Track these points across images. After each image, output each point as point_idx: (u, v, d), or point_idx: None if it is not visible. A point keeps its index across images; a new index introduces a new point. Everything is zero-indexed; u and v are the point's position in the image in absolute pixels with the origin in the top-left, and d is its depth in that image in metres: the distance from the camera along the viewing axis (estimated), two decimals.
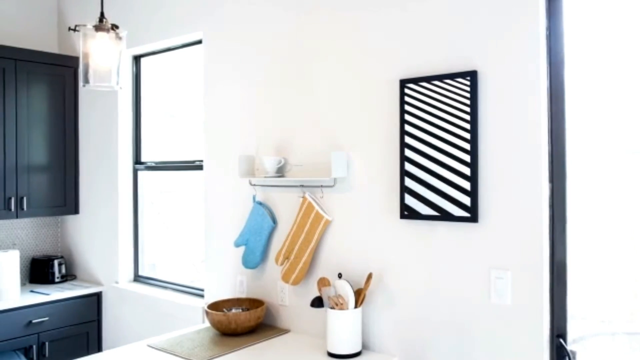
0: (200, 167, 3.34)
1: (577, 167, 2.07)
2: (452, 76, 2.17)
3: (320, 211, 2.60)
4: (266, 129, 2.88)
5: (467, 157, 2.14)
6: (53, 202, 3.92)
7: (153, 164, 3.76)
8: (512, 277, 2.07)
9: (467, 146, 2.13)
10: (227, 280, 3.09)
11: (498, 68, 2.10)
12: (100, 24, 2.37)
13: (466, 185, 2.14)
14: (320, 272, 2.66)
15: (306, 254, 2.65)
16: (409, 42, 2.34)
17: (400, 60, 2.37)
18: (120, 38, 2.41)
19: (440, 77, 2.20)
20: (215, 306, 2.85)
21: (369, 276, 2.41)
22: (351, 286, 2.42)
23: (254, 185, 2.93)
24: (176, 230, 3.75)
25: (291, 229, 2.70)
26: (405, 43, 2.35)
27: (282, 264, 2.72)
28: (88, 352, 3.82)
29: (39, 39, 4.16)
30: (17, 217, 3.71)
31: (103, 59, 2.37)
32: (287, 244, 2.71)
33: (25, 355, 3.49)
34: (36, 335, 3.54)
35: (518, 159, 2.06)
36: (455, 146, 2.16)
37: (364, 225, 2.50)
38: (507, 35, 2.08)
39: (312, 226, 2.63)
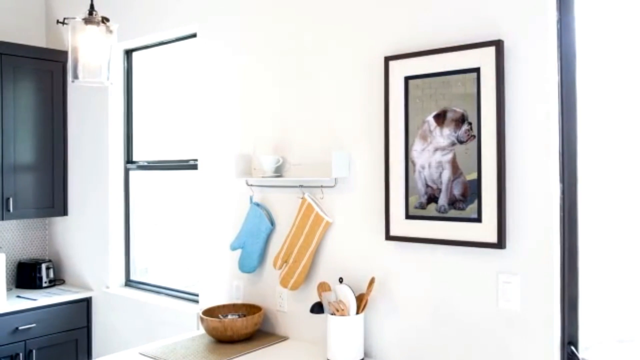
0: (194, 167, 3.34)
1: (589, 168, 2.07)
2: (459, 72, 2.17)
3: (320, 212, 2.61)
4: (264, 126, 2.89)
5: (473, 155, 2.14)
6: (41, 203, 3.92)
7: (145, 164, 3.76)
8: (520, 281, 2.08)
9: (474, 143, 2.14)
10: (222, 285, 3.09)
11: (506, 64, 2.10)
12: (90, 17, 2.38)
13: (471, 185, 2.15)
14: (320, 276, 2.67)
15: (305, 258, 2.65)
16: (414, 38, 2.35)
17: (402, 51, 2.37)
18: (110, 31, 2.42)
19: (446, 73, 2.20)
20: (210, 312, 2.85)
21: (371, 281, 2.41)
22: (352, 291, 2.42)
23: (251, 185, 2.93)
24: (169, 232, 3.75)
25: (290, 231, 2.71)
26: (411, 37, 2.36)
27: (280, 268, 2.73)
28: None
29: (25, 32, 4.17)
30: (2, 219, 3.72)
31: (93, 54, 2.38)
32: (285, 247, 2.71)
33: None
34: (23, 342, 3.54)
35: (526, 158, 2.06)
36: (461, 143, 2.17)
37: (366, 228, 2.50)
38: (513, 29, 2.08)
39: (311, 228, 2.63)
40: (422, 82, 2.27)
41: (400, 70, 2.33)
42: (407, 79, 2.31)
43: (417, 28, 2.33)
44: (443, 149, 2.21)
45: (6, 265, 4.00)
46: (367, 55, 2.49)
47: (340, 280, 2.46)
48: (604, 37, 2.10)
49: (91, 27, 2.37)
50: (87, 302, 3.88)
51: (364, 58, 2.50)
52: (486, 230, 2.11)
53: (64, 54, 3.96)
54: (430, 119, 2.24)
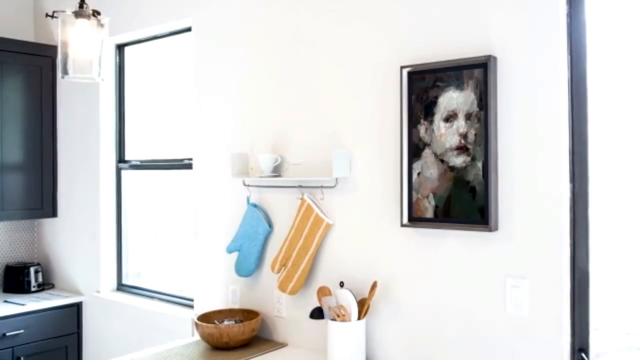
0: (189, 166, 3.34)
1: (601, 167, 2.07)
2: (465, 66, 2.16)
3: (320, 214, 2.60)
4: (261, 124, 2.89)
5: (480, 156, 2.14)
6: (29, 204, 3.92)
7: (138, 163, 3.76)
8: (529, 286, 2.07)
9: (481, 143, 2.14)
10: (218, 289, 3.09)
11: (516, 57, 2.10)
12: (81, 10, 2.38)
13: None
14: (320, 280, 2.66)
15: (305, 261, 2.65)
16: (416, 27, 2.34)
17: (406, 47, 2.37)
18: (102, 25, 2.42)
19: (451, 68, 2.19)
20: (205, 318, 2.85)
21: (374, 285, 2.41)
22: (354, 296, 2.42)
23: (248, 185, 2.93)
24: (163, 235, 3.75)
25: (289, 234, 2.70)
26: (412, 28, 2.35)
27: (278, 271, 2.72)
28: None
29: (13, 26, 4.16)
30: None
31: (83, 48, 2.38)
32: (284, 249, 2.71)
33: None
34: (10, 349, 3.54)
35: (536, 157, 2.05)
36: (465, 141, 2.16)
37: (368, 230, 2.50)
38: (523, 21, 2.08)
39: (311, 230, 2.63)
40: (428, 77, 2.26)
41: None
42: (411, 74, 2.30)
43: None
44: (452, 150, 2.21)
45: None
46: (371, 50, 2.49)
47: (341, 284, 2.46)
48: (616, 31, 2.10)
49: (81, 21, 2.37)
50: (78, 307, 3.87)
51: (366, 53, 2.50)
52: (494, 235, 2.11)
53: (53, 48, 3.95)
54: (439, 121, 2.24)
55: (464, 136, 2.16)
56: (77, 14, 2.36)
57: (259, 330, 2.87)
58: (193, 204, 3.22)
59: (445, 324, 2.28)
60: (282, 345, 2.77)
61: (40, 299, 3.77)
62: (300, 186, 2.72)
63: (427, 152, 2.26)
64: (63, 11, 2.36)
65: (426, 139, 2.26)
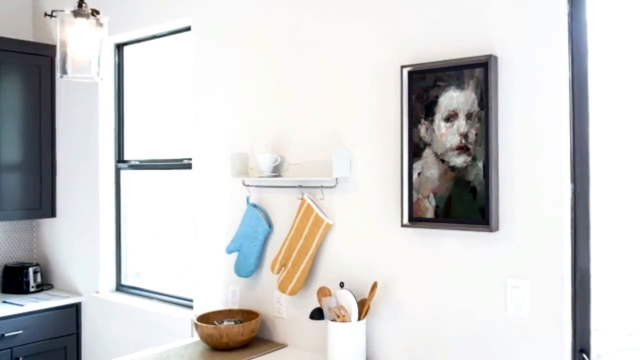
0: (189, 166, 3.34)
1: (602, 167, 2.07)
2: (465, 65, 2.16)
3: (320, 214, 2.60)
4: (261, 124, 2.89)
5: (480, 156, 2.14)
6: (27, 204, 3.92)
7: (137, 163, 3.76)
8: (530, 286, 2.07)
9: (481, 142, 2.14)
10: (218, 290, 3.09)
11: (516, 57, 2.10)
12: (80, 9, 2.38)
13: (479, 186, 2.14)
14: (320, 281, 2.66)
15: (305, 261, 2.65)
16: (416, 26, 2.34)
17: (406, 46, 2.37)
18: (101, 24, 2.42)
19: (451, 67, 2.19)
20: (205, 318, 2.85)
21: (374, 285, 2.41)
22: (354, 296, 2.42)
23: (248, 185, 2.93)
24: (162, 235, 3.75)
25: (288, 234, 2.71)
26: (412, 27, 2.35)
27: (278, 272, 2.72)
28: None
29: (11, 25, 4.16)
30: None
31: (82, 48, 2.38)
32: (284, 250, 2.71)
33: None
34: (9, 350, 3.54)
35: (537, 157, 2.05)
36: (466, 141, 2.16)
37: (368, 230, 2.50)
38: (524, 21, 2.08)
39: (311, 230, 2.63)
40: (428, 76, 2.26)
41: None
42: (411, 74, 2.30)
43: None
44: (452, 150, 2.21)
45: None
46: (371, 50, 2.49)
47: (341, 284, 2.46)
48: (617, 30, 2.10)
49: (80, 20, 2.37)
50: (77, 307, 3.87)
51: (367, 53, 2.50)
52: (495, 235, 2.11)
53: (52, 48, 3.95)
54: (439, 121, 2.24)
55: (465, 136, 2.16)
56: (76, 13, 2.36)
57: (259, 330, 2.87)
58: (192, 204, 3.23)
59: (445, 324, 2.28)
60: (282, 345, 2.77)
61: (39, 300, 3.77)
62: (300, 186, 2.72)
63: (427, 152, 2.26)
64: (62, 10, 2.36)
65: (427, 138, 2.26)
